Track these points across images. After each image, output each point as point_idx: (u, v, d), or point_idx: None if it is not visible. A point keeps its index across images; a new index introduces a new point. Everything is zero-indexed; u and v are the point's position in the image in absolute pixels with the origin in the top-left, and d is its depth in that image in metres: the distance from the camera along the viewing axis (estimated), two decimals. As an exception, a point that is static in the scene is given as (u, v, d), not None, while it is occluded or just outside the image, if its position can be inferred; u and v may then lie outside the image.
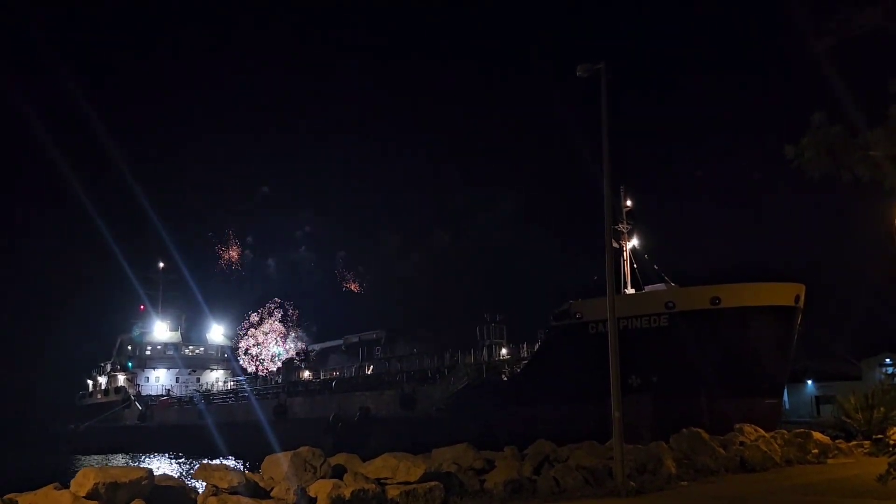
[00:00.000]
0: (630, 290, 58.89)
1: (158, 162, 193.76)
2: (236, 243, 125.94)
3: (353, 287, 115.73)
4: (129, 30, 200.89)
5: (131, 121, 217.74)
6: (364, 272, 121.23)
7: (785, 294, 53.19)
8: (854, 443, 31.89)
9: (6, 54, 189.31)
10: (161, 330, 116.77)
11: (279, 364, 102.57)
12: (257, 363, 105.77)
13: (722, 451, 26.29)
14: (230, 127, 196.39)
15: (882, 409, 33.31)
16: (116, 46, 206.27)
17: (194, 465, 52.91)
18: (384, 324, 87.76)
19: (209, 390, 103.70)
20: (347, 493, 17.38)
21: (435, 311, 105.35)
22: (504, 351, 68.71)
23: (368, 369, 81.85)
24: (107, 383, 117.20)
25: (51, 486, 15.85)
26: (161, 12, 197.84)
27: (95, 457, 79.44)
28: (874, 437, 31.73)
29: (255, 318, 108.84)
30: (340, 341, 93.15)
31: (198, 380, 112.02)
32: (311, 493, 17.69)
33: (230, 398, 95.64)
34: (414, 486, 18.37)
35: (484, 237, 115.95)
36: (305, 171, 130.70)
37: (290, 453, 18.94)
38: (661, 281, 57.97)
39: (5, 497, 15.89)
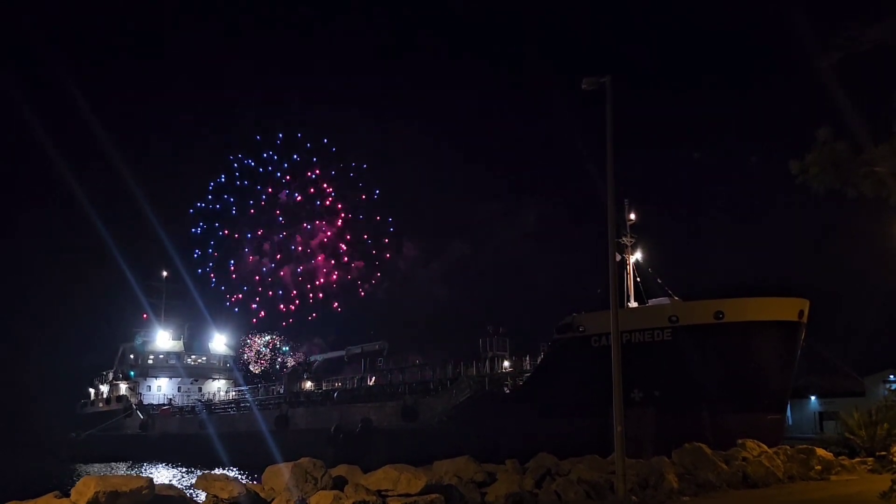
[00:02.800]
0: (633, 304, 58.82)
1: (163, 168, 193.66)
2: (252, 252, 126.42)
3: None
4: (134, 31, 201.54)
5: (135, 126, 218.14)
6: (382, 280, 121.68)
7: (789, 309, 53.07)
8: (857, 459, 31.77)
9: (6, 56, 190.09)
10: (163, 339, 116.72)
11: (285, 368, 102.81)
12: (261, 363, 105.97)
13: (724, 466, 26.19)
14: (245, 130, 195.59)
15: (886, 425, 33.23)
16: (119, 47, 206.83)
17: (195, 475, 52.84)
18: (387, 335, 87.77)
19: (211, 400, 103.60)
20: (348, 505, 17.35)
21: (441, 322, 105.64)
22: (506, 363, 68.62)
23: (370, 380, 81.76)
24: (108, 392, 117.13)
25: (51, 494, 15.84)
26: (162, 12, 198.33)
27: (96, 465, 79.39)
28: (877, 453, 31.61)
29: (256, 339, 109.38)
30: (343, 352, 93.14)
31: (200, 389, 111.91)
32: (312, 505, 17.65)
33: (232, 408, 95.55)
34: (415, 498, 18.32)
35: (500, 250, 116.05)
36: (324, 178, 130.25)
37: (291, 464, 18.91)
38: (665, 295, 57.89)
39: (6, 505, 15.87)
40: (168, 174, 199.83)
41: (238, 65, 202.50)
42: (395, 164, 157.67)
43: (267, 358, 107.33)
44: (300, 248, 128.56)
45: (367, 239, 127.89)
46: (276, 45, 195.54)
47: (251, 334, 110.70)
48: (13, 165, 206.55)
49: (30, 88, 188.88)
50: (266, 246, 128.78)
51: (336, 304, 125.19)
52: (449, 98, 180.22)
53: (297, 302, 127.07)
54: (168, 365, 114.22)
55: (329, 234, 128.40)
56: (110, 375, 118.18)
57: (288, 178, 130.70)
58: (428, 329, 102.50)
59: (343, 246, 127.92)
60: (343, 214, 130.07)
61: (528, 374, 62.14)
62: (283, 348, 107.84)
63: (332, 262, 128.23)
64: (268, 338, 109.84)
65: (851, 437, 34.78)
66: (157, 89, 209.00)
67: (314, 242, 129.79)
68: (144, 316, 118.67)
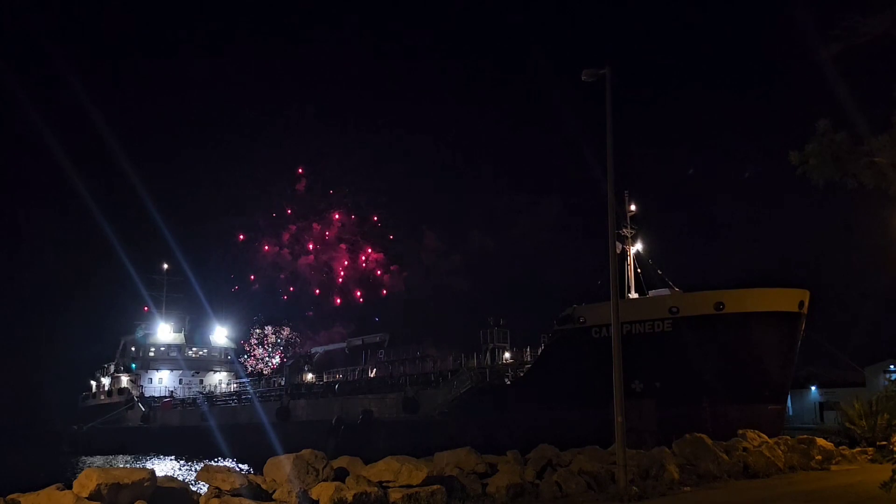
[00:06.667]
0: (634, 295, 58.88)
1: (164, 161, 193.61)
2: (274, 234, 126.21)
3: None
4: (131, 25, 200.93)
5: (136, 119, 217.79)
6: (401, 271, 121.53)
7: (789, 300, 53.12)
8: (858, 449, 31.81)
9: (10, 53, 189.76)
10: (165, 331, 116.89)
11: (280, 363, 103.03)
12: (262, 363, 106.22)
13: (725, 456, 26.22)
14: (254, 121, 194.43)
15: (886, 415, 33.24)
16: (118, 42, 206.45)
17: (197, 467, 53.00)
18: (400, 326, 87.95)
19: (212, 392, 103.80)
20: (349, 496, 17.38)
21: (453, 313, 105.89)
22: (507, 355, 68.73)
23: (371, 372, 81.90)
24: (110, 384, 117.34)
25: (53, 486, 15.85)
26: (164, 9, 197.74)
27: (98, 458, 79.68)
28: (878, 443, 31.65)
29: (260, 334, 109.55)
30: (343, 344, 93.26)
31: (201, 381, 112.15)
32: (314, 496, 17.67)
33: (233, 400, 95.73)
34: (416, 489, 18.35)
35: (514, 243, 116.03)
36: (340, 169, 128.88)
37: (292, 456, 18.93)
38: (665, 286, 57.94)
39: (8, 497, 15.89)
40: (170, 168, 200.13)
41: (242, 62, 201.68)
42: (413, 158, 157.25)
43: (270, 350, 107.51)
44: (315, 240, 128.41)
45: (386, 230, 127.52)
46: (282, 44, 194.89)
47: (257, 330, 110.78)
48: (18, 161, 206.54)
49: (34, 84, 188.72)
50: (285, 236, 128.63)
51: (357, 294, 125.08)
52: (468, 95, 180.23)
53: (318, 292, 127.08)
54: (169, 357, 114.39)
55: (345, 224, 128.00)
56: (112, 368, 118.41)
57: (301, 170, 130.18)
58: (439, 320, 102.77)
59: (360, 238, 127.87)
60: (359, 206, 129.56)
61: (529, 366, 62.23)
62: (285, 341, 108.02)
63: (349, 254, 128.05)
64: (271, 332, 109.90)
65: (852, 427, 34.81)
66: (160, 84, 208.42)
67: (331, 233, 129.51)
68: (146, 308, 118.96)
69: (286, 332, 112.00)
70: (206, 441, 77.13)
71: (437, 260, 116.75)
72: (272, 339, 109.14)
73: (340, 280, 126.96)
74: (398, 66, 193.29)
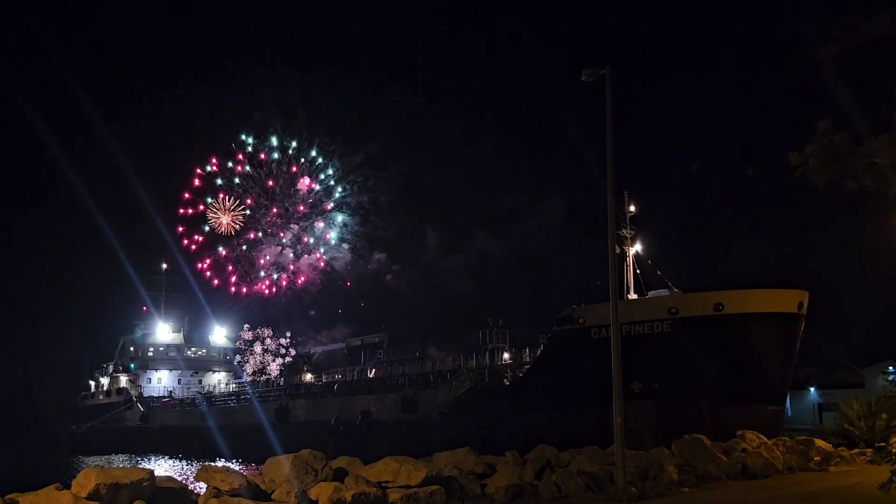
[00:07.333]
0: (633, 296, 58.84)
1: (164, 162, 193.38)
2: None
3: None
4: (124, 20, 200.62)
5: (134, 117, 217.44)
6: (402, 270, 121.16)
7: (788, 301, 53.09)
8: (856, 450, 31.84)
9: (8, 52, 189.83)
10: (163, 331, 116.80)
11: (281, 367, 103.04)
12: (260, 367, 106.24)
13: (724, 457, 26.23)
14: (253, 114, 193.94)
15: (885, 416, 33.30)
16: (115, 39, 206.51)
17: (196, 467, 52.98)
18: (387, 327, 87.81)
19: (211, 392, 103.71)
20: (349, 497, 17.38)
21: (453, 313, 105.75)
22: (506, 355, 68.71)
23: (371, 372, 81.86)
24: (109, 384, 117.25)
25: (52, 486, 15.87)
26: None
27: (97, 457, 79.56)
28: (876, 444, 31.66)
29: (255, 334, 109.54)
30: (343, 344, 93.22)
31: (200, 381, 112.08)
32: (313, 496, 17.68)
33: (232, 400, 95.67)
34: (415, 489, 18.35)
35: (518, 243, 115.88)
36: (342, 169, 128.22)
37: (291, 456, 18.95)
38: (665, 286, 57.89)
39: (7, 497, 15.91)
40: (168, 168, 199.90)
41: (242, 57, 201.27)
42: (417, 156, 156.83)
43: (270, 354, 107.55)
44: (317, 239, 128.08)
45: (388, 230, 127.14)
46: (285, 38, 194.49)
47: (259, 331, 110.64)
48: (15, 162, 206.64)
49: (30, 82, 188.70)
50: (281, 235, 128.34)
51: (362, 305, 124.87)
52: (473, 92, 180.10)
53: (318, 293, 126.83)
54: (168, 357, 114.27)
55: (347, 224, 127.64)
56: (111, 368, 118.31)
57: (295, 168, 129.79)
58: (439, 320, 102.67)
59: (361, 238, 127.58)
60: (361, 206, 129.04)
61: (528, 367, 62.19)
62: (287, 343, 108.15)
63: (351, 254, 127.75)
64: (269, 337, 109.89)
65: (851, 428, 34.85)
66: (157, 81, 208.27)
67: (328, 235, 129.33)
68: (144, 308, 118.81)
69: (281, 340, 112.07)
70: (205, 441, 77.08)
71: (438, 260, 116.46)
72: (272, 345, 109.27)
73: (342, 283, 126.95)
74: (399, 66, 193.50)
